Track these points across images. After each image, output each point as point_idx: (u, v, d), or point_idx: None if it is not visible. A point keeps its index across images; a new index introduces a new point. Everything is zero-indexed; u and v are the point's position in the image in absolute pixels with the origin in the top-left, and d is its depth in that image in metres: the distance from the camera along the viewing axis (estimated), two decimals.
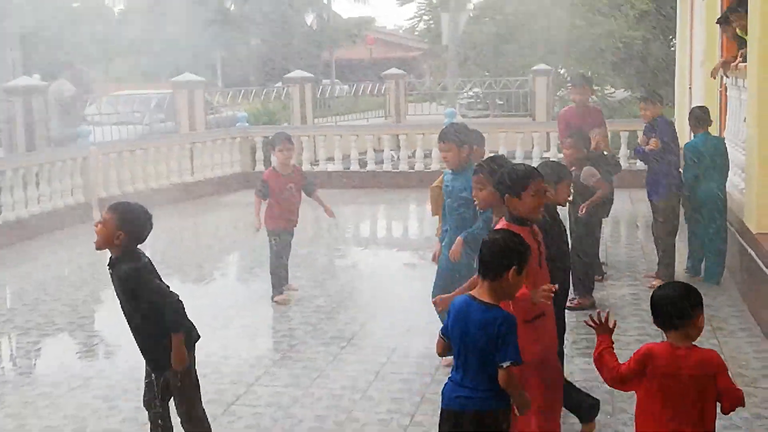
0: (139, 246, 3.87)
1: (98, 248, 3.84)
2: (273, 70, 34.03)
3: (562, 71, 24.88)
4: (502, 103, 22.31)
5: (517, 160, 13.91)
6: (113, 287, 3.88)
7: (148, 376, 3.94)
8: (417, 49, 43.19)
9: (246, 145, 15.12)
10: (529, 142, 14.49)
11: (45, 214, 10.91)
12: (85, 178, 11.89)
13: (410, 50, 46.70)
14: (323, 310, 6.98)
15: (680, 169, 7.40)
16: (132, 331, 3.91)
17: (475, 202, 4.64)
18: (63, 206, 11.35)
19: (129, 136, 14.83)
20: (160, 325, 3.76)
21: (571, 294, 6.12)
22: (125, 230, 3.79)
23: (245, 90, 19.38)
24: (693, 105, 10.14)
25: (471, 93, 24.01)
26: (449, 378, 3.30)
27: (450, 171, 5.40)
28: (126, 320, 3.91)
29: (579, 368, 5.35)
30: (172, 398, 3.92)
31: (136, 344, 3.94)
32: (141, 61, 32.56)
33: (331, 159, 14.85)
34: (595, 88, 18.56)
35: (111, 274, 3.86)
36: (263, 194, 7.10)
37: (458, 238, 5.15)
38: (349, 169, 14.63)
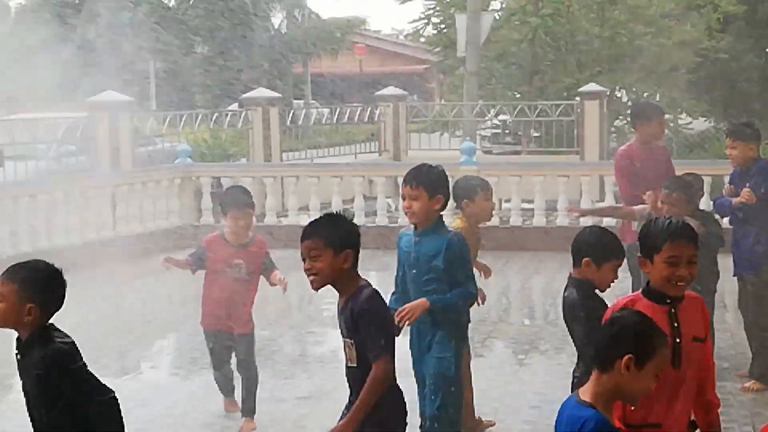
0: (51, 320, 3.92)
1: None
2: (227, 87, 34.42)
3: (619, 93, 25.16)
4: (538, 135, 22.49)
5: (560, 215, 14.02)
6: (20, 379, 3.90)
7: None
8: (422, 62, 43.72)
9: (188, 189, 15.20)
10: (575, 188, 14.60)
11: None
12: None
13: (413, 62, 47.27)
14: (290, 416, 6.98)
15: None
16: None
17: None
18: None
19: (28, 176, 14.89)
20: None
21: None
22: (35, 300, 3.83)
23: (188, 114, 19.56)
24: None
25: (496, 121, 24.20)
26: None
27: (411, 229, 5.45)
28: (33, 424, 3.91)
29: None
30: None
31: None
32: (44, 73, 32.89)
33: (304, 209, 14.93)
34: (666, 116, 18.74)
35: (19, 362, 3.89)
36: (195, 263, 6.92)
37: (422, 300, 5.27)
38: None
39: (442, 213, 5.42)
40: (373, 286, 4.36)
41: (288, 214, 15.06)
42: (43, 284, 3.88)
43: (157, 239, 14.40)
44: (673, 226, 3.99)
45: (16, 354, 3.92)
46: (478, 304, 6.24)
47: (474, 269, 5.86)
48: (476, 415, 6.60)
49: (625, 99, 25.24)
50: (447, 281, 5.28)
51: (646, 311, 3.69)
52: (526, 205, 14.64)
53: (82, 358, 3.92)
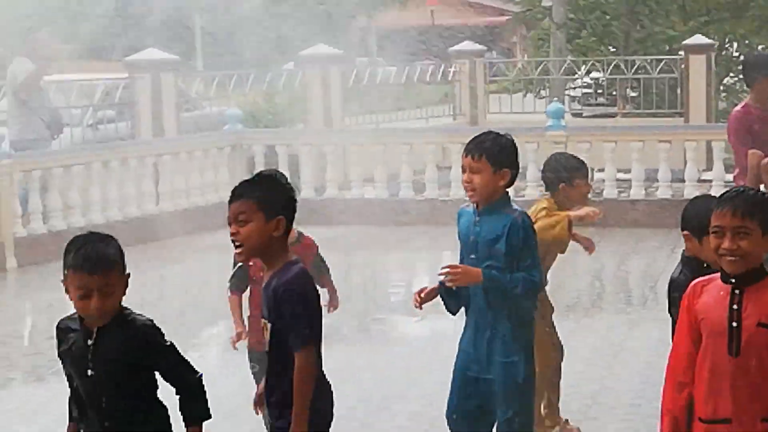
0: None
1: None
2: (281, 44, 34.47)
3: (730, 46, 24.76)
4: (636, 95, 22.25)
5: (662, 185, 13.87)
6: (96, 363, 4.10)
7: None
8: (502, 12, 43.45)
9: (239, 158, 15.28)
10: (679, 156, 14.42)
11: None
12: None
13: (492, 13, 47.01)
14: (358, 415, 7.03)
15: None
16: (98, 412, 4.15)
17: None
18: None
19: (62, 144, 15.07)
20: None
21: None
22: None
23: (238, 75, 19.63)
24: None
25: (588, 80, 23.99)
26: None
27: (472, 206, 5.30)
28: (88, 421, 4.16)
29: None
30: None
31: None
32: (80, 30, 33.28)
33: (369, 180, 14.94)
34: None
35: (92, 350, 4.12)
36: (238, 285, 6.59)
37: (478, 270, 5.14)
38: (397, 195, 14.70)
39: (507, 190, 5.27)
40: (302, 265, 4.37)
41: (351, 187, 15.07)
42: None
43: (204, 215, 14.51)
44: (725, 194, 4.05)
45: (88, 342, 4.11)
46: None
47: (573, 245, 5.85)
48: (561, 415, 6.56)
49: (736, 53, 24.82)
50: (510, 268, 5.12)
51: (714, 291, 3.91)
52: (622, 175, 14.50)
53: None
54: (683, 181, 14.04)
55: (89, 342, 4.13)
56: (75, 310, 4.19)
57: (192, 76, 20.95)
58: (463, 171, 5.22)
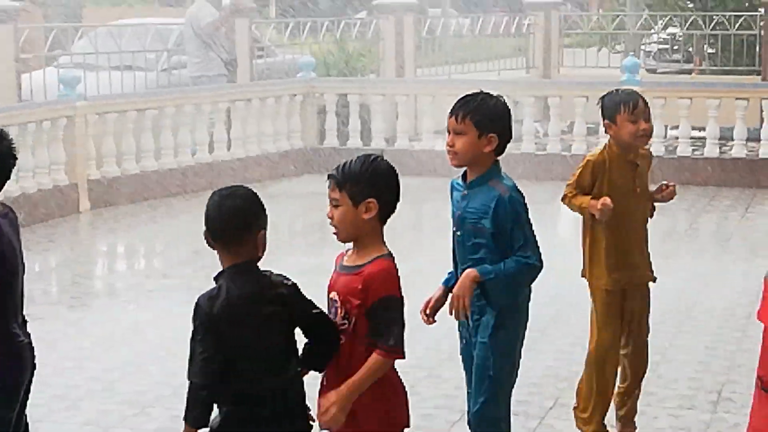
0: None
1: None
2: None
3: None
4: (713, 52, 21.89)
5: (737, 143, 13.64)
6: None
7: None
8: None
9: (311, 107, 15.27)
10: (755, 113, 14.16)
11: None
12: (68, 149, 12.22)
13: None
14: None
15: None
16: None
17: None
18: (36, 190, 11.70)
19: (136, 88, 15.16)
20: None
21: None
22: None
23: (312, 22, 19.55)
24: None
25: (664, 35, 23.64)
26: None
27: (459, 180, 4.92)
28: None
29: None
30: None
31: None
32: None
33: (440, 132, 14.85)
34: None
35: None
36: None
37: (468, 271, 4.68)
38: None
39: (498, 160, 4.85)
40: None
41: (422, 138, 15.00)
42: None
43: (275, 162, 14.56)
44: None
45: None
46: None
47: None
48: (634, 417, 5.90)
49: None
50: (498, 248, 4.67)
51: None
52: (696, 133, 14.28)
53: None
54: (758, 140, 13.80)
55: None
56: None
57: (266, 23, 20.92)
58: (448, 132, 4.81)
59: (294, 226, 12.26)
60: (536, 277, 4.76)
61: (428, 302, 4.85)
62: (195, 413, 3.86)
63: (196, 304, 3.89)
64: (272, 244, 4.11)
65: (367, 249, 4.10)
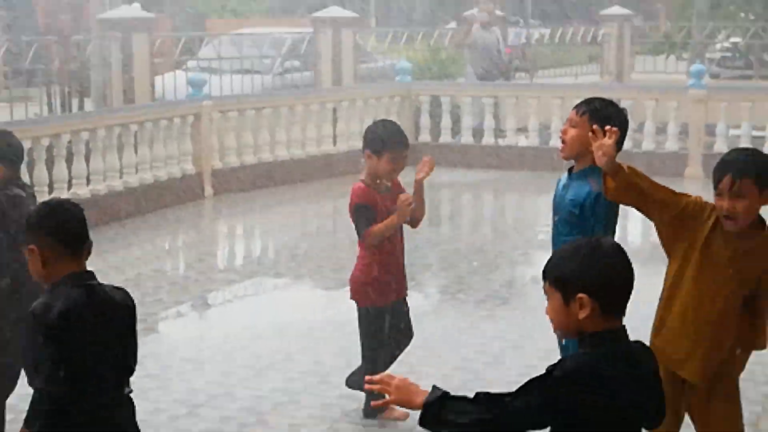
0: None
1: None
2: (445, 6, 34.26)
3: None
4: None
5: None
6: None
7: None
8: None
9: (408, 107, 15.32)
10: None
11: (129, 192, 11.52)
12: (195, 143, 12.44)
13: None
14: None
15: None
16: None
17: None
18: (166, 178, 11.93)
19: (254, 89, 15.36)
20: None
21: None
22: None
23: (409, 32, 19.60)
24: None
25: (727, 44, 23.22)
26: None
27: (566, 173, 4.88)
28: None
29: None
30: None
31: None
32: None
33: (523, 130, 14.80)
34: None
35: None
36: (368, 223, 5.91)
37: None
38: (548, 144, 14.53)
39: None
40: None
41: (505, 134, 14.96)
42: None
43: None
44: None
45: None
46: None
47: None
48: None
49: None
50: (582, 232, 4.55)
51: None
52: (757, 133, 14.04)
53: None
54: None
55: None
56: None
57: (368, 32, 21.02)
58: (565, 124, 4.84)
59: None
60: None
61: None
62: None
63: (32, 312, 3.40)
64: None
65: None
